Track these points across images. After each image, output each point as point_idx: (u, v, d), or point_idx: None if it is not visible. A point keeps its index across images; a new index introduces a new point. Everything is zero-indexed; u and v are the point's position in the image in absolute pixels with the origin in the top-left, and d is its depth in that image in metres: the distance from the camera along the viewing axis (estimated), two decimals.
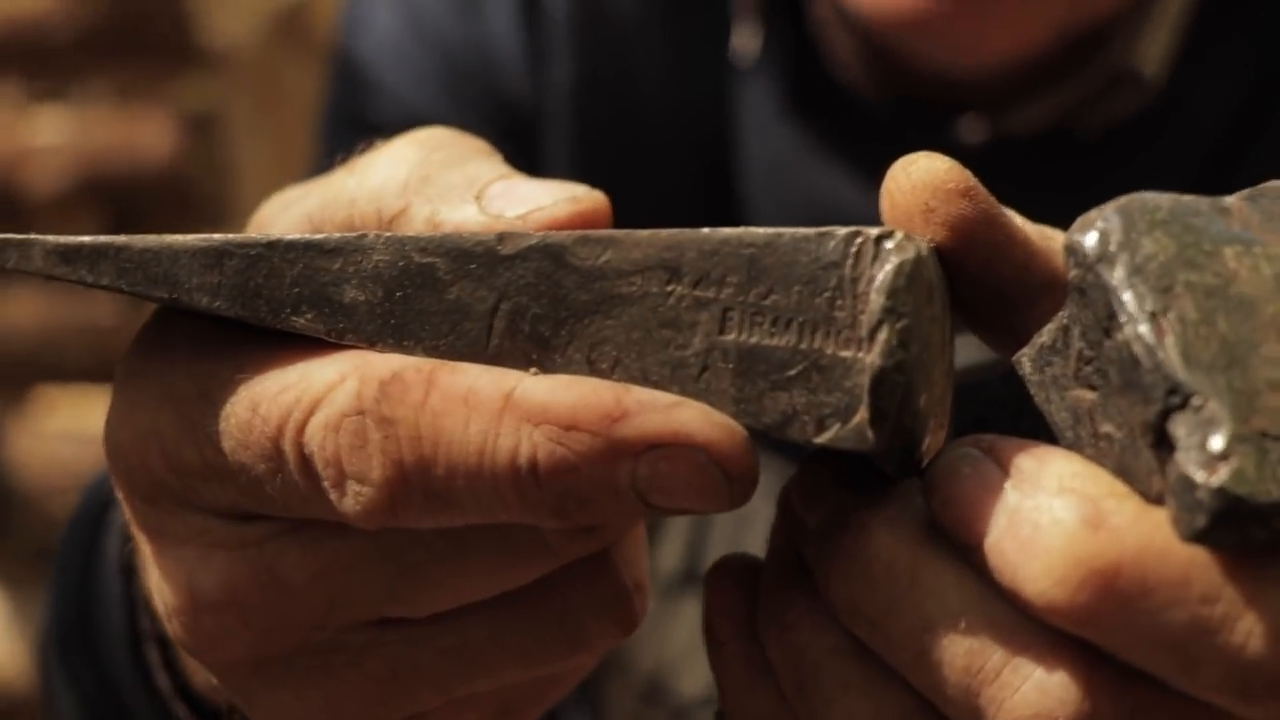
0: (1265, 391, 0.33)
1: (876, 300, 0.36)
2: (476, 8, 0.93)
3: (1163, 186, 0.38)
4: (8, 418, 1.92)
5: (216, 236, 0.40)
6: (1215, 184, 0.38)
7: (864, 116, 0.87)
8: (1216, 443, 0.33)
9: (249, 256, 0.40)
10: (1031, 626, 0.35)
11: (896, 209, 0.39)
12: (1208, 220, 0.36)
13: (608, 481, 0.36)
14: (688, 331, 0.38)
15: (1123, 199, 0.36)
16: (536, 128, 0.92)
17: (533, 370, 0.38)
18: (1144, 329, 0.34)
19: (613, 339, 0.38)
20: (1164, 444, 0.34)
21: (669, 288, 0.38)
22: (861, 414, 0.36)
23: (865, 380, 0.36)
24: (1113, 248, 0.35)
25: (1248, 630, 0.33)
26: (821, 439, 0.37)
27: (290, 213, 0.46)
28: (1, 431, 1.91)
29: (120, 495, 0.43)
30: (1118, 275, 0.35)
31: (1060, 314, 0.37)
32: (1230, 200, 0.37)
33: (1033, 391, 0.39)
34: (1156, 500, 0.35)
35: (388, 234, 0.39)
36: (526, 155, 0.89)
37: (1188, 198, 0.37)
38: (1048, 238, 0.40)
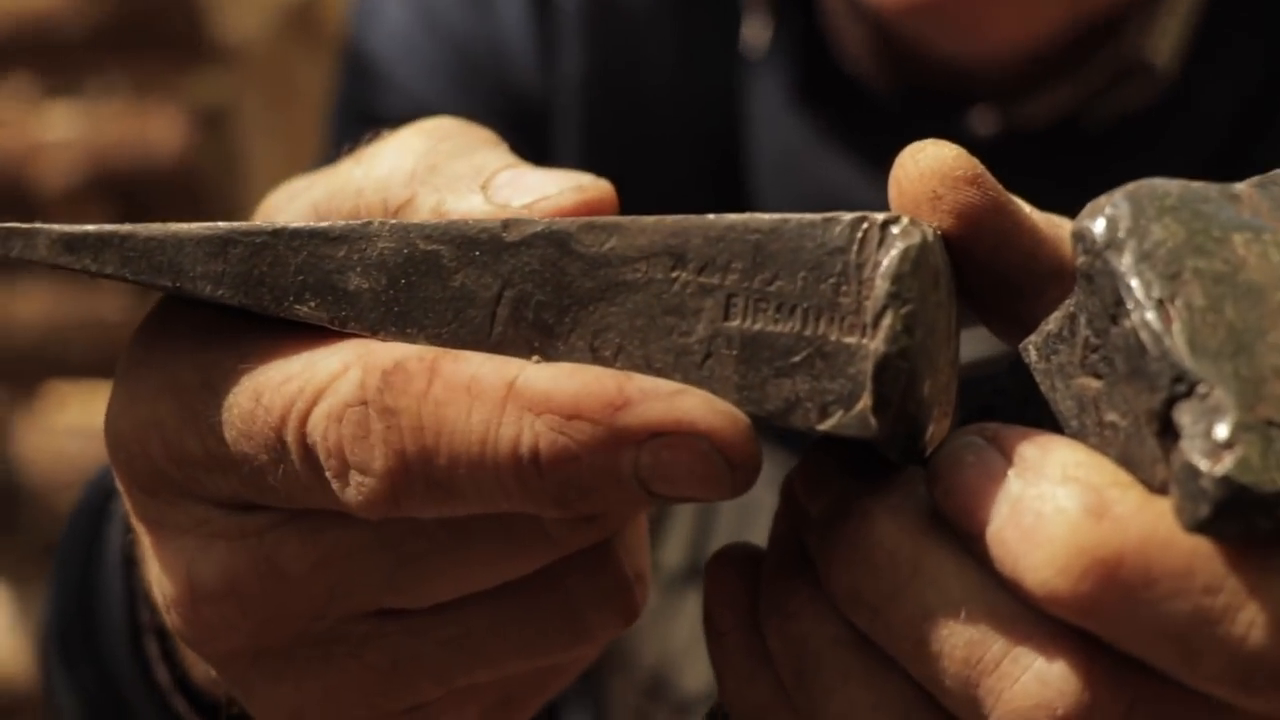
0: (1272, 379, 0.33)
1: (881, 286, 0.36)
2: (487, 1, 0.93)
3: (1172, 178, 0.38)
4: (15, 413, 1.92)
5: (221, 225, 0.40)
6: (1224, 178, 0.38)
7: (874, 108, 0.87)
8: (1221, 431, 0.32)
9: (253, 244, 0.39)
10: (1032, 617, 0.35)
11: (904, 196, 0.39)
12: (1217, 207, 0.36)
13: (610, 470, 0.36)
14: (692, 318, 0.38)
15: (1131, 185, 0.36)
16: (546, 120, 0.92)
17: (535, 358, 0.38)
18: (1151, 316, 0.34)
19: (616, 326, 0.38)
20: (1169, 432, 0.34)
21: (673, 274, 0.38)
22: (865, 401, 0.36)
23: (869, 366, 0.36)
24: (1121, 234, 0.35)
25: (1249, 621, 0.33)
26: (824, 426, 0.37)
27: (296, 203, 0.46)
28: (9, 427, 1.91)
29: (120, 485, 0.43)
30: (1125, 261, 0.35)
31: (1067, 301, 0.37)
32: (1240, 187, 0.37)
33: (1038, 380, 0.38)
34: (1160, 490, 0.34)
35: (392, 221, 0.39)
36: (536, 148, 0.89)
37: (1197, 184, 0.37)
38: (1055, 226, 0.40)
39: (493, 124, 0.47)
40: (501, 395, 0.36)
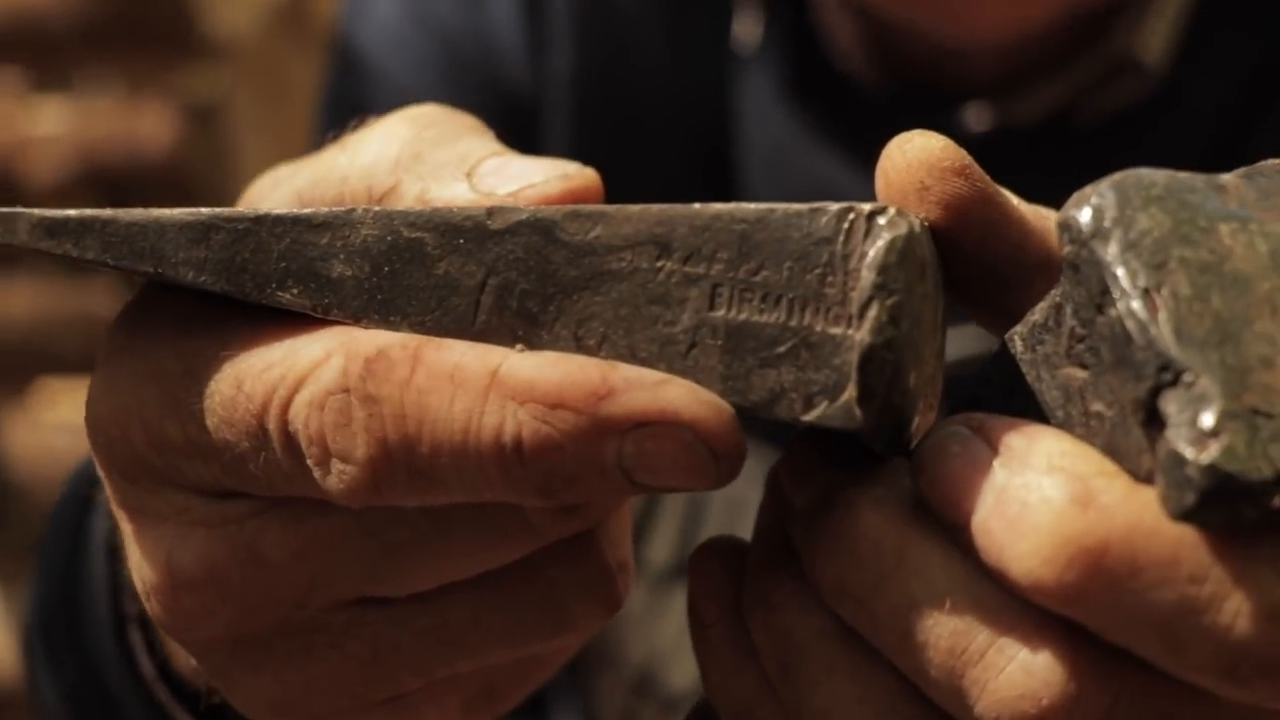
0: (1258, 368, 0.33)
1: (867, 276, 0.36)
2: None
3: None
4: (4, 409, 1.92)
5: (203, 210, 0.40)
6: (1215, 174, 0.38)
7: (865, 104, 0.87)
8: (1207, 419, 0.32)
9: (236, 231, 0.39)
10: (1017, 607, 0.35)
11: (891, 187, 0.39)
12: (1203, 197, 0.36)
13: (593, 460, 0.36)
14: (677, 308, 0.37)
15: (1118, 175, 0.36)
16: (537, 116, 0.92)
17: (519, 347, 0.38)
18: (1137, 305, 0.34)
19: (601, 315, 0.38)
20: (1154, 421, 0.33)
21: (659, 264, 0.38)
22: (850, 392, 0.36)
23: (854, 357, 0.36)
24: (1107, 223, 0.35)
25: (1235, 610, 0.33)
26: (809, 417, 0.36)
27: (281, 190, 0.46)
28: None
29: (101, 472, 0.42)
30: (1111, 251, 0.35)
31: (1053, 291, 0.37)
32: (1226, 178, 0.37)
33: (1024, 370, 0.38)
34: (1146, 479, 0.34)
35: (376, 209, 0.39)
36: (526, 143, 0.88)
37: (1183, 174, 0.36)
38: (1043, 217, 0.40)
39: (482, 119, 0.46)
40: (485, 384, 0.36)
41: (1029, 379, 0.38)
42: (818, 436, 0.40)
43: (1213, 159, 0.81)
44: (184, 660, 0.56)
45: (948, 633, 0.35)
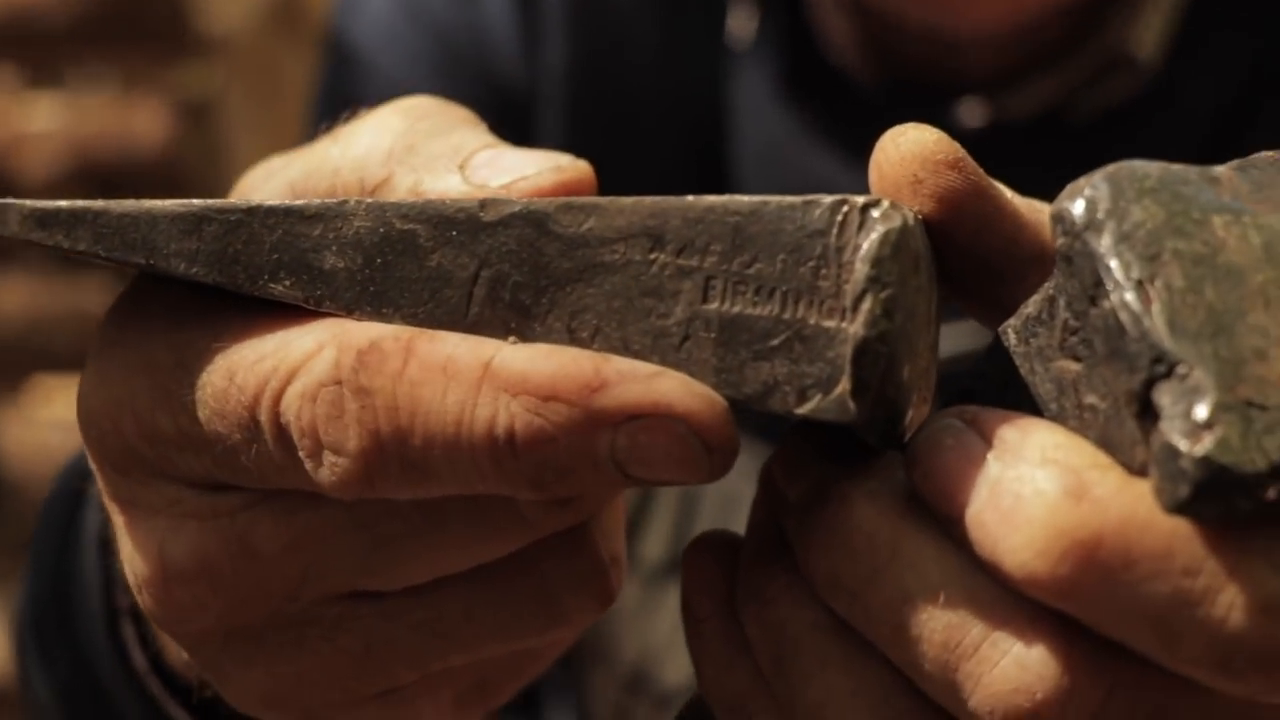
0: (1251, 360, 0.33)
1: (861, 269, 0.36)
2: None
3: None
4: None
5: (195, 202, 0.40)
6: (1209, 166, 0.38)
7: (859, 100, 0.87)
8: (1201, 411, 0.32)
9: (228, 222, 0.39)
10: (1011, 600, 0.35)
11: (885, 180, 0.39)
12: (1197, 189, 0.36)
13: (586, 452, 0.36)
14: (670, 300, 0.37)
15: (1111, 167, 0.36)
16: (530, 111, 0.92)
17: (512, 339, 0.38)
18: (1130, 296, 0.34)
19: (594, 308, 0.38)
20: (1148, 413, 0.33)
21: (652, 256, 0.37)
22: (843, 384, 0.36)
23: (848, 350, 0.36)
24: (1100, 215, 0.35)
25: (1229, 603, 0.33)
26: (803, 410, 0.36)
27: (273, 181, 0.45)
28: None
29: (93, 464, 0.42)
30: (1105, 243, 0.35)
31: (1047, 284, 0.37)
32: (1220, 170, 0.37)
33: (1018, 363, 0.38)
34: (1140, 472, 0.34)
35: (369, 200, 0.39)
36: (520, 139, 0.88)
37: (1177, 166, 0.36)
38: (1037, 211, 0.39)
39: (476, 114, 0.46)
40: (477, 376, 0.36)
41: (1023, 372, 0.38)
42: (811, 430, 0.40)
43: (1207, 155, 0.81)
44: (176, 654, 0.56)
45: (941, 626, 0.35)
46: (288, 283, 0.39)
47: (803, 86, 0.88)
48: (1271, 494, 0.32)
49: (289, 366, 0.38)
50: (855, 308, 0.36)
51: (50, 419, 1.89)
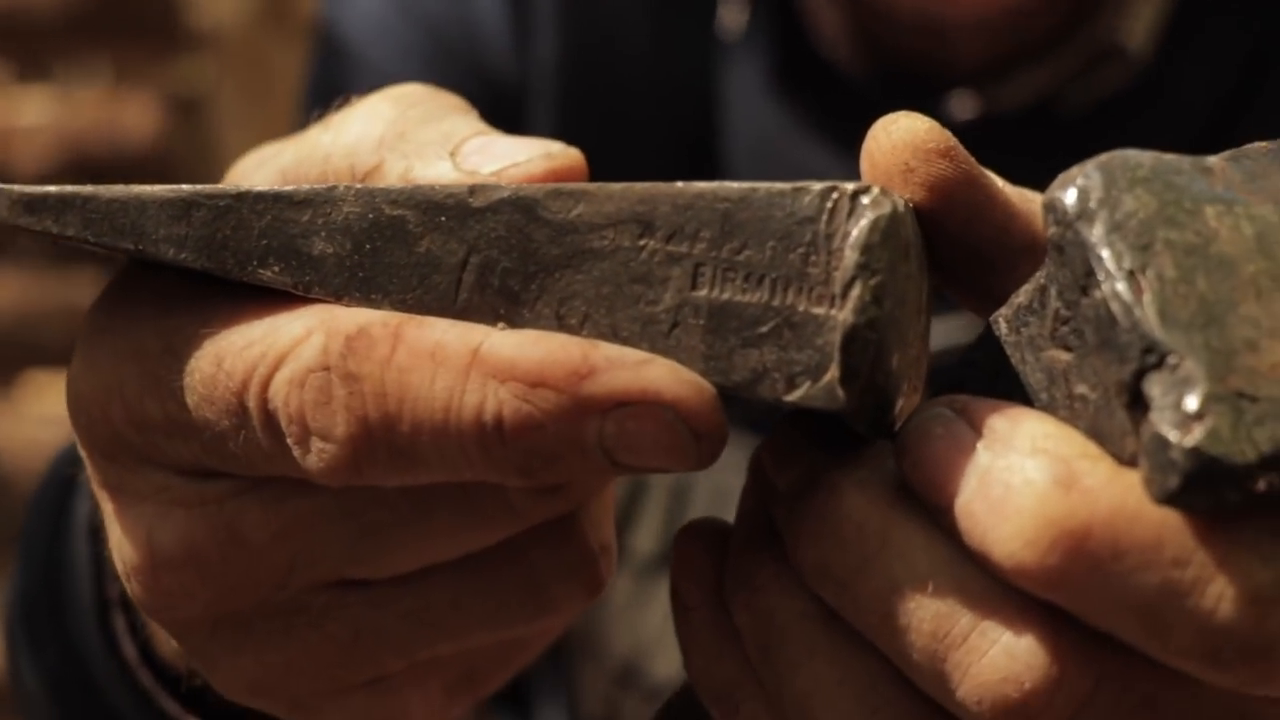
0: (1243, 351, 0.33)
1: (850, 256, 0.36)
2: None
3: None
4: None
5: (184, 187, 0.39)
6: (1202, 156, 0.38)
7: (850, 93, 0.87)
8: (1191, 402, 0.32)
9: (217, 208, 0.39)
10: (1000, 590, 0.35)
11: (876, 169, 0.39)
12: (1189, 179, 0.36)
13: (574, 439, 0.36)
14: (659, 287, 0.37)
15: (1104, 156, 0.36)
16: (521, 104, 0.91)
17: (500, 325, 0.38)
18: (1121, 286, 0.34)
19: (583, 294, 0.38)
20: (1138, 404, 0.33)
21: (641, 242, 0.37)
22: (832, 372, 0.36)
23: (837, 337, 0.36)
24: (1092, 204, 0.35)
25: (1218, 594, 0.33)
26: (792, 397, 0.36)
27: (264, 169, 0.45)
28: None
29: (82, 451, 0.42)
30: (1097, 232, 0.35)
31: (1038, 273, 0.37)
32: (1213, 160, 0.37)
33: (1009, 352, 0.38)
34: (1130, 462, 0.34)
35: (358, 186, 0.39)
36: (510, 131, 0.88)
37: (1170, 156, 0.36)
38: (1028, 200, 0.39)
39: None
40: (466, 362, 0.36)
41: (1013, 361, 0.38)
42: (801, 418, 0.40)
43: (1198, 146, 0.81)
44: (166, 642, 0.55)
45: (930, 616, 0.35)
46: (276, 268, 0.39)
47: (794, 79, 0.88)
48: (1261, 485, 0.32)
49: (277, 352, 0.38)
50: (844, 294, 0.36)
51: (41, 414, 1.89)
